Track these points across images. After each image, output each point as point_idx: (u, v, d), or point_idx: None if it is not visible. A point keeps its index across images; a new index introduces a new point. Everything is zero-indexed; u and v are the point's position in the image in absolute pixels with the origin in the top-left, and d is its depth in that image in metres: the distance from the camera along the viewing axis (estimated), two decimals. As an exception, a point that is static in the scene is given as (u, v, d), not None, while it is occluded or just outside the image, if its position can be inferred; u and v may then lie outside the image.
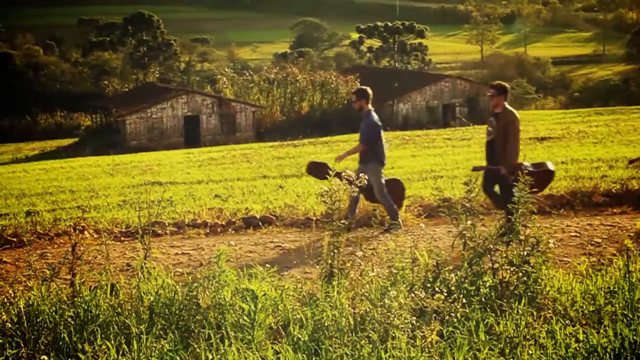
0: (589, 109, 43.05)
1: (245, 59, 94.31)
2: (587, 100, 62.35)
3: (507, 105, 9.76)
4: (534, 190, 9.58)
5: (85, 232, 10.89)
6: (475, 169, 10.77)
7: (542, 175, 9.82)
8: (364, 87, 10.92)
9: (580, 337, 5.18)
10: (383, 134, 10.76)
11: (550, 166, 10.20)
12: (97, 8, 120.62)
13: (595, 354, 4.97)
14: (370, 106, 10.66)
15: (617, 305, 5.71)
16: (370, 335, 5.15)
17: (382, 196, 10.61)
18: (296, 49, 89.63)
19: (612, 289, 6.01)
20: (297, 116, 51.52)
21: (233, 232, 11.13)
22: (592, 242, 9.13)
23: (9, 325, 5.50)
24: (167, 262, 8.67)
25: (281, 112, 52.16)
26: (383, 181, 10.65)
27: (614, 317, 5.55)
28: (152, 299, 5.77)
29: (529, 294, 5.93)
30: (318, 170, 11.44)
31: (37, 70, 73.90)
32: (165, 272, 6.21)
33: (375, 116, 10.65)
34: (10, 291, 6.15)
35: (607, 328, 5.26)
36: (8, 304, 5.86)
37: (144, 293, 5.86)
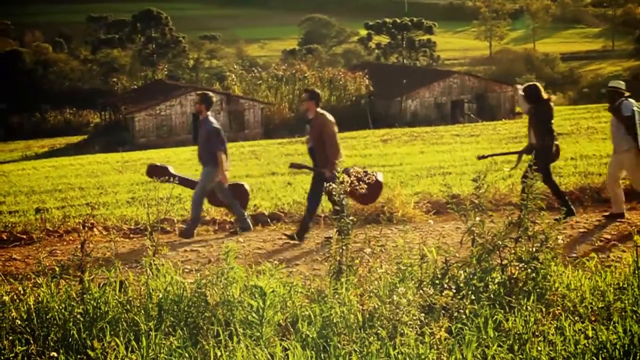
0: (598, 105, 42.82)
1: (253, 56, 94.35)
2: (597, 96, 62.14)
3: (319, 110, 9.87)
4: (362, 199, 9.67)
5: (95, 229, 10.93)
6: (292, 165, 11.24)
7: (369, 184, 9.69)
8: (206, 92, 11.02)
9: (590, 333, 5.16)
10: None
11: (380, 177, 10.07)
12: (105, 5, 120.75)
13: (605, 351, 4.95)
14: (209, 112, 10.70)
15: (626, 302, 5.69)
16: (378, 331, 5.14)
17: (226, 199, 10.85)
18: (304, 46, 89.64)
19: (621, 285, 5.99)
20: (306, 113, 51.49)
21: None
22: (602, 238, 9.10)
23: (19, 322, 5.52)
24: (176, 259, 8.69)
25: (289, 109, 52.20)
26: (226, 185, 10.78)
27: (623, 313, 5.53)
28: (160, 296, 5.78)
29: (537, 290, 5.92)
30: (158, 173, 11.20)
31: (46, 68, 74.18)
32: (174, 269, 6.22)
33: (214, 120, 10.71)
34: (20, 288, 6.17)
35: (616, 324, 5.24)
36: (18, 300, 5.88)
37: (152, 290, 5.88)
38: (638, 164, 10.21)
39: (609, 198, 11.71)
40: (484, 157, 11.11)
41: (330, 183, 6.78)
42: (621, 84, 10.47)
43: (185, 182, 11.33)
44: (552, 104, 10.60)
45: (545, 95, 10.48)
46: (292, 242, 9.73)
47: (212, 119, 10.72)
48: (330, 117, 9.89)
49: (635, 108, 10.10)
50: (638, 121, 9.99)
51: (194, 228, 10.61)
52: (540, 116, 10.36)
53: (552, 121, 10.40)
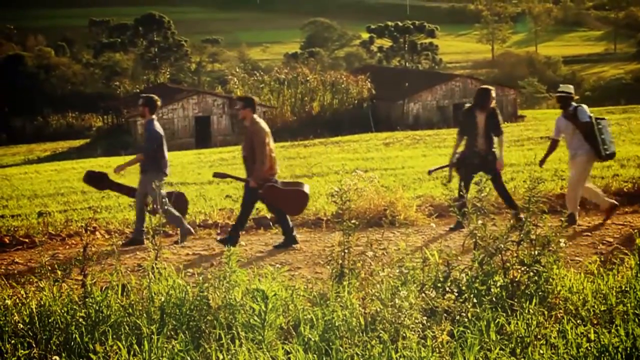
0: (601, 108, 42.86)
1: (255, 60, 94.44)
2: (599, 99, 62.06)
3: (255, 118, 9.70)
4: (289, 208, 9.62)
5: (97, 233, 10.93)
6: (216, 175, 10.79)
7: (293, 194, 9.66)
8: (150, 95, 10.56)
9: (592, 336, 5.16)
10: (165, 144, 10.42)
11: (306, 189, 9.91)
12: (108, 9, 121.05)
13: (607, 354, 4.95)
14: (154, 115, 10.31)
15: (628, 305, 5.69)
16: (380, 335, 5.14)
17: (162, 207, 9.96)
18: (306, 49, 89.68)
19: (623, 288, 5.99)
20: (308, 116, 51.56)
21: (244, 232, 11.14)
22: (604, 242, 9.10)
23: (21, 326, 5.53)
24: (178, 262, 8.70)
25: (292, 112, 52.21)
26: (164, 193, 10.21)
27: (625, 316, 5.53)
28: (163, 300, 5.78)
29: (540, 293, 5.92)
30: (96, 180, 11.15)
31: (48, 72, 74.33)
32: (176, 273, 6.23)
33: (157, 125, 10.31)
34: (22, 292, 6.18)
35: (618, 328, 5.24)
36: (20, 304, 5.89)
37: (155, 293, 5.88)
38: (586, 168, 10.22)
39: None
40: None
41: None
42: (571, 88, 10.45)
43: (123, 189, 11.11)
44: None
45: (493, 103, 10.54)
46: (222, 246, 9.26)
47: (156, 123, 10.33)
48: (264, 126, 9.67)
49: (590, 114, 10.10)
50: (596, 128, 9.96)
51: (183, 224, 10.29)
52: (494, 120, 10.44)
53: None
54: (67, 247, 10.40)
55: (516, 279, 6.03)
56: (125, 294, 5.99)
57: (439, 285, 5.91)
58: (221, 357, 4.97)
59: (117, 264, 6.35)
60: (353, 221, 6.52)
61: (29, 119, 63.50)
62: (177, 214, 10.32)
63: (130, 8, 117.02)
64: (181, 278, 6.09)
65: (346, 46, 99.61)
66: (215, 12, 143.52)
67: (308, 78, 53.99)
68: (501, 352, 4.98)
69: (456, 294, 5.68)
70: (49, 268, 6.51)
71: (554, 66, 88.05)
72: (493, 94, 10.55)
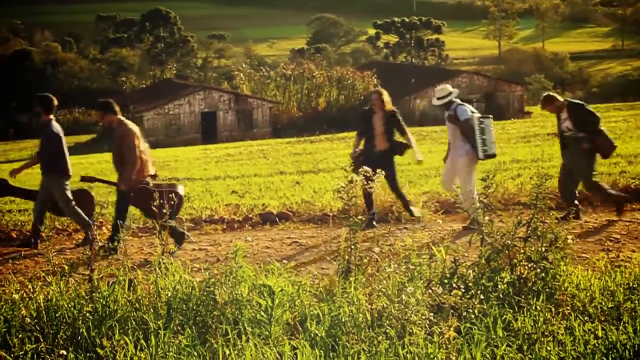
0: (608, 105, 42.75)
1: (262, 55, 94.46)
2: (606, 96, 61.94)
3: (122, 120, 9.37)
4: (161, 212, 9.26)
5: (103, 228, 10.96)
6: (83, 179, 10.18)
7: (166, 196, 8.92)
8: (45, 94, 10.15)
9: (599, 333, 5.15)
10: (65, 145, 9.91)
11: (180, 190, 9.58)
12: (114, 5, 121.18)
13: (615, 351, 4.94)
14: (51, 116, 9.91)
15: (636, 302, 5.67)
16: (387, 331, 5.14)
17: (68, 209, 9.88)
18: (313, 45, 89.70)
19: (631, 285, 5.97)
20: (314, 112, 51.58)
21: (250, 228, 11.15)
22: (611, 238, 9.07)
23: (29, 320, 5.54)
24: (185, 257, 8.71)
25: (298, 108, 52.24)
26: (69, 193, 9.91)
27: (633, 313, 5.51)
28: (169, 295, 5.79)
29: (547, 290, 5.90)
30: None
31: (55, 67, 74.50)
32: (183, 268, 6.23)
33: (55, 126, 9.84)
34: (30, 286, 6.19)
35: (626, 325, 5.22)
36: (27, 299, 5.90)
37: (161, 288, 5.88)
38: (469, 171, 9.97)
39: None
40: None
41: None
42: (447, 90, 10.19)
43: (25, 194, 10.86)
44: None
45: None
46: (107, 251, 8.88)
47: (54, 124, 9.88)
48: (132, 128, 9.28)
49: (472, 113, 9.91)
50: (477, 127, 9.75)
51: (90, 227, 9.50)
52: (393, 120, 10.54)
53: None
54: (74, 242, 10.43)
55: (523, 276, 6.01)
56: (132, 288, 5.99)
57: (446, 281, 5.90)
58: (227, 352, 4.97)
59: (123, 258, 6.35)
60: (359, 217, 6.52)
61: (35, 114, 63.37)
62: (84, 217, 9.86)
63: (136, 4, 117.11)
64: (188, 273, 6.10)
65: (352, 42, 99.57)
66: (221, 7, 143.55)
67: (314, 74, 54.00)
68: (508, 348, 4.97)
69: (463, 290, 5.67)
70: (56, 263, 6.53)
71: (561, 63, 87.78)
72: (386, 97, 10.60)
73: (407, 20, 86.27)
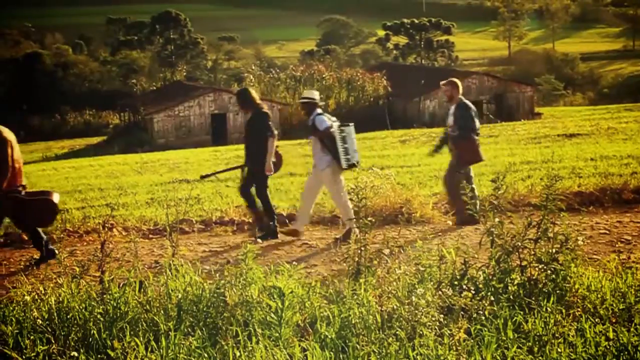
0: (619, 105, 42.55)
1: (271, 57, 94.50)
2: (617, 96, 61.69)
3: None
4: (33, 221, 8.88)
5: (114, 230, 10.98)
6: None
7: (38, 204, 8.69)
8: None
9: (610, 335, 5.13)
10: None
11: (55, 198, 8.89)
12: (124, 7, 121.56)
13: (626, 353, 4.92)
14: None
15: (647, 304, 5.65)
16: (397, 332, 5.14)
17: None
18: (322, 47, 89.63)
19: (642, 287, 5.95)
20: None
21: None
22: (622, 240, 9.03)
23: (40, 322, 5.57)
24: (195, 259, 8.72)
25: (308, 109, 52.18)
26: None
27: (644, 315, 5.49)
28: (180, 296, 5.81)
29: (557, 291, 5.89)
30: None
31: (66, 69, 74.77)
32: (193, 270, 6.24)
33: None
34: (41, 288, 6.22)
35: (637, 326, 5.21)
36: (39, 300, 5.93)
37: (172, 290, 5.90)
38: (336, 181, 9.73)
39: (630, 199, 11.63)
40: (206, 176, 10.93)
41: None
42: (316, 94, 9.98)
43: None
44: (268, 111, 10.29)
45: (259, 103, 10.21)
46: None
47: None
48: (8, 136, 8.57)
49: (331, 123, 9.64)
50: (339, 136, 9.52)
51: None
52: (258, 124, 10.07)
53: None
54: (85, 243, 10.46)
55: (534, 277, 6.00)
56: (142, 290, 6.01)
57: (456, 283, 5.90)
58: (238, 354, 4.98)
59: (134, 260, 6.37)
60: (369, 219, 6.52)
61: (46, 116, 63.91)
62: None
63: (147, 6, 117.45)
64: (198, 275, 6.11)
65: (362, 43, 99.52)
66: (231, 9, 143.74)
67: (324, 75, 54.02)
68: (519, 350, 4.96)
69: (473, 292, 5.67)
70: (67, 264, 6.56)
71: (571, 63, 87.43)
72: (254, 93, 10.26)
73: (416, 21, 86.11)
